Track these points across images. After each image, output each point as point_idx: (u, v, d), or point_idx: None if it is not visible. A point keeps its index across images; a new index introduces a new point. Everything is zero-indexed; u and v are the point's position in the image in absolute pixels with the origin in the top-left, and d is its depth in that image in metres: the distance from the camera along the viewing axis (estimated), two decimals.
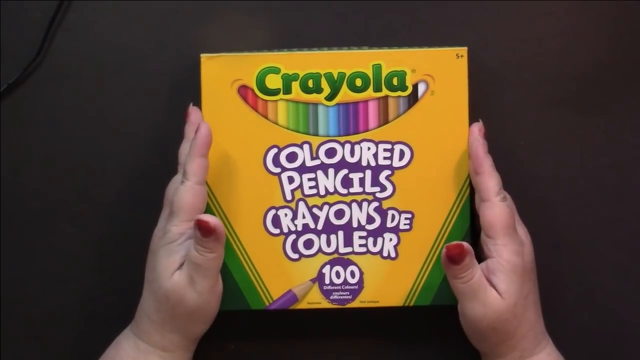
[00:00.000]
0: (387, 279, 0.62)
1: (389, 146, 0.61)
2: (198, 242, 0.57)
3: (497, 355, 0.59)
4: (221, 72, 0.61)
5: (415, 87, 0.61)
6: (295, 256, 0.62)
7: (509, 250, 0.57)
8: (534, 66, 0.65)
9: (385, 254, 0.62)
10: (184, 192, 0.58)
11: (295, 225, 0.62)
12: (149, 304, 0.58)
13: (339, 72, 0.61)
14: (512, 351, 0.58)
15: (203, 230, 0.56)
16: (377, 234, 0.62)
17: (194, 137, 0.58)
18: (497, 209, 0.58)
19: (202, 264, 0.57)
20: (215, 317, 0.60)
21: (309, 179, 0.62)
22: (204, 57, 0.62)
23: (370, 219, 0.62)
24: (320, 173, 0.62)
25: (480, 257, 0.59)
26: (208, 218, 0.57)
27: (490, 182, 0.59)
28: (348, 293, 0.62)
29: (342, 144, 0.62)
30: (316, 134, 0.62)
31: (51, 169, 0.65)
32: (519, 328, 0.58)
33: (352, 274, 0.62)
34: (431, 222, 0.62)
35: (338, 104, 0.61)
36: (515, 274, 0.57)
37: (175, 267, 0.57)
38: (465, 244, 0.57)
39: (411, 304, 0.62)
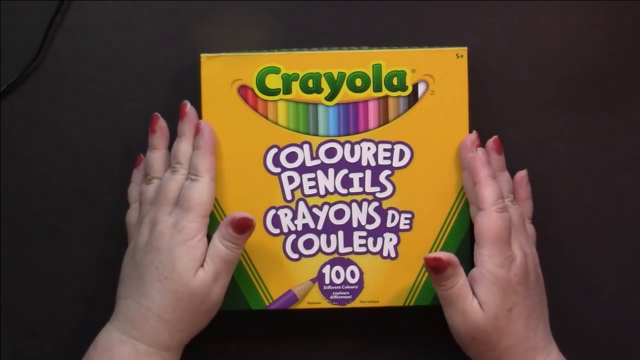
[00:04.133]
0: (387, 279, 0.62)
1: (389, 146, 0.61)
2: (230, 239, 0.58)
3: None
4: (221, 72, 0.61)
5: (415, 87, 0.61)
6: (295, 256, 0.62)
7: (493, 262, 0.57)
8: (534, 66, 0.65)
9: (385, 254, 0.62)
10: (201, 189, 0.58)
11: (295, 225, 0.62)
12: (162, 304, 0.57)
13: (339, 72, 0.61)
14: None
15: (244, 227, 0.58)
16: (377, 234, 0.62)
17: (199, 135, 0.60)
18: (489, 219, 0.57)
19: (231, 260, 0.58)
20: None
21: (309, 179, 0.62)
22: (204, 57, 0.62)
23: (370, 219, 0.62)
24: (320, 173, 0.62)
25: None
26: (246, 215, 0.58)
27: (485, 191, 0.58)
28: (348, 293, 0.62)
29: (342, 144, 0.62)
30: (316, 134, 0.62)
31: (51, 169, 0.65)
32: (502, 341, 0.57)
33: (352, 274, 0.62)
34: (431, 222, 0.62)
35: (338, 104, 0.62)
36: (497, 286, 0.57)
37: (199, 265, 0.57)
38: (446, 257, 0.57)
39: (411, 304, 0.62)
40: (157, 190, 0.60)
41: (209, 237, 0.59)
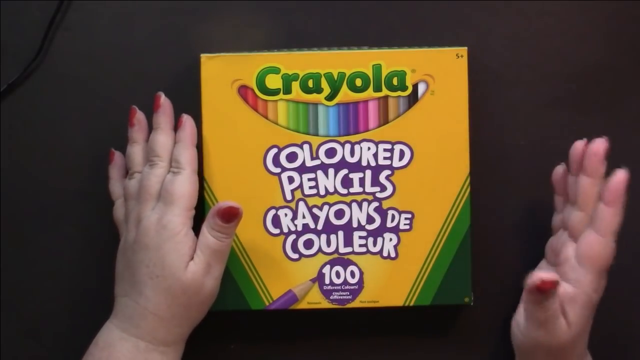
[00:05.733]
0: (387, 279, 0.62)
1: (389, 146, 0.61)
2: (218, 229, 0.58)
3: None
4: (221, 72, 0.61)
5: (415, 87, 0.61)
6: (295, 256, 0.62)
7: (593, 287, 0.57)
8: (534, 66, 0.65)
9: (385, 254, 0.62)
10: (184, 182, 0.58)
11: (295, 225, 0.62)
12: (157, 302, 0.57)
13: (339, 72, 0.61)
14: None
15: (230, 215, 0.57)
16: (377, 234, 0.62)
17: (181, 128, 0.60)
18: (606, 248, 0.56)
19: (222, 250, 0.58)
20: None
21: (309, 179, 0.62)
22: (204, 57, 0.62)
23: (370, 219, 0.62)
24: (320, 173, 0.62)
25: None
26: (233, 204, 0.58)
27: (617, 218, 0.57)
28: (348, 293, 0.62)
29: (342, 144, 0.62)
30: (316, 134, 0.62)
31: (51, 169, 0.65)
32: (570, 356, 0.58)
33: (352, 274, 0.62)
34: (431, 222, 0.62)
35: (338, 104, 0.62)
36: (588, 309, 0.57)
37: (188, 259, 0.57)
38: (552, 276, 0.54)
39: (411, 304, 0.62)
40: (139, 186, 0.60)
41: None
